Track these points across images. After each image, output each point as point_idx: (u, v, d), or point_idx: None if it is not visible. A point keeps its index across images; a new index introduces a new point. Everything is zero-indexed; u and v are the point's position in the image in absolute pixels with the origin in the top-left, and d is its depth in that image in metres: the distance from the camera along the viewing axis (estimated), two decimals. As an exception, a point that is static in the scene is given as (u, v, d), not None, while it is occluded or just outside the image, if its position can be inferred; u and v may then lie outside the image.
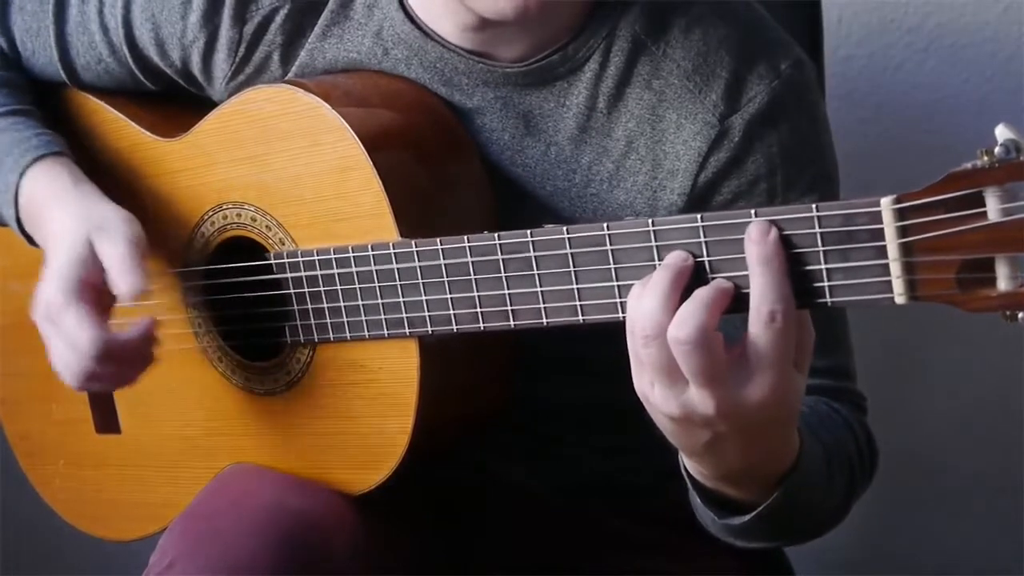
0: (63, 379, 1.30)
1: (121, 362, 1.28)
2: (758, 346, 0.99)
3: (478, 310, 1.15)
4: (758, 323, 0.99)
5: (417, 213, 1.21)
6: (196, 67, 1.35)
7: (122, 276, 1.25)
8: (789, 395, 1.02)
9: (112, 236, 1.27)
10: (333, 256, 1.22)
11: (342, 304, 1.23)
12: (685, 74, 1.25)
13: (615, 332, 1.09)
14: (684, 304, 1.00)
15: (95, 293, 1.27)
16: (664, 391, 1.02)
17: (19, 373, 1.53)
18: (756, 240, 0.98)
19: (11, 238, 1.43)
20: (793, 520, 1.16)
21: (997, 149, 0.92)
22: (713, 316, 0.99)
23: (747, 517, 1.13)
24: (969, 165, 0.93)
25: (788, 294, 0.98)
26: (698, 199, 1.25)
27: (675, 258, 1.02)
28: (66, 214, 1.30)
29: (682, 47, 1.25)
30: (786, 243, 0.99)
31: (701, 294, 1.00)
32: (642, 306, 1.01)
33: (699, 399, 1.01)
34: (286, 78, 1.32)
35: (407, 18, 1.28)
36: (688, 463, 1.12)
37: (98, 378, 1.29)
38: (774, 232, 0.98)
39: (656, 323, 1.00)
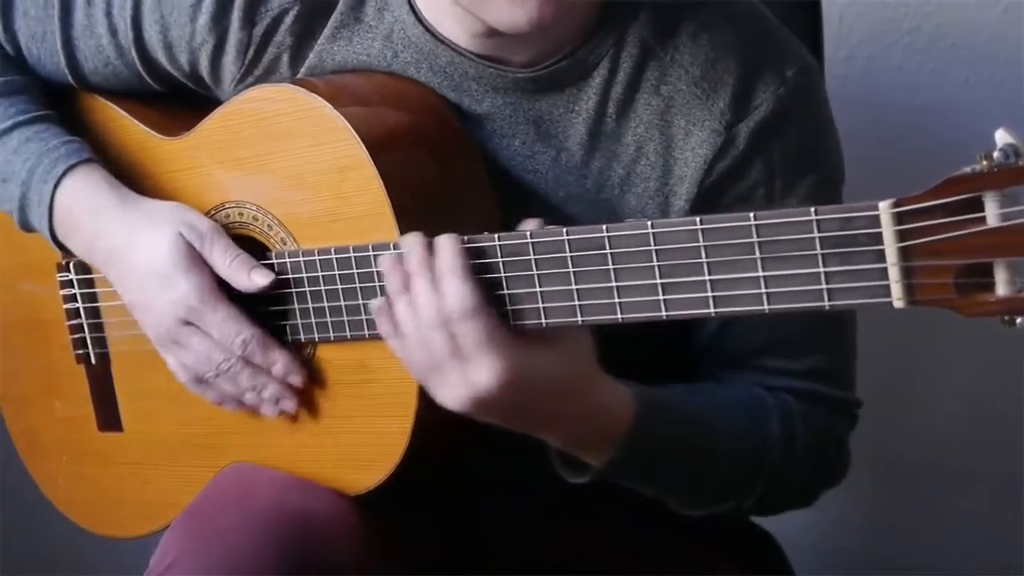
0: (190, 385, 1.31)
1: (256, 368, 1.28)
2: (460, 341, 1.11)
3: (477, 310, 1.15)
4: (456, 323, 1.11)
5: (418, 213, 1.21)
6: (205, 70, 1.35)
7: (243, 271, 1.27)
8: (523, 372, 1.11)
9: (208, 233, 1.28)
10: (334, 256, 1.23)
11: (343, 303, 1.23)
12: (693, 80, 1.25)
13: (614, 330, 1.10)
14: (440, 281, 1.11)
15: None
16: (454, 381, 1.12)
17: (22, 370, 1.53)
18: (437, 251, 1.13)
19: (23, 238, 1.43)
20: (656, 477, 1.24)
21: (996, 153, 0.92)
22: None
23: (587, 476, 1.21)
24: (968, 169, 0.93)
25: (470, 291, 1.11)
26: (701, 203, 1.25)
27: (385, 263, 1.14)
28: (127, 221, 1.31)
29: (690, 53, 1.25)
30: (781, 247, 0.99)
31: (445, 263, 1.11)
32: (412, 308, 1.13)
33: (444, 385, 1.13)
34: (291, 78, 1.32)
35: (418, 21, 1.28)
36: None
37: (234, 377, 1.28)
38: (451, 243, 1.12)
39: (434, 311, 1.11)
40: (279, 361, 1.27)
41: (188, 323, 1.28)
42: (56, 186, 1.34)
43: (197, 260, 1.28)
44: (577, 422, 1.18)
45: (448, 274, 1.11)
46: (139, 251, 1.30)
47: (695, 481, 1.26)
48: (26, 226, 1.38)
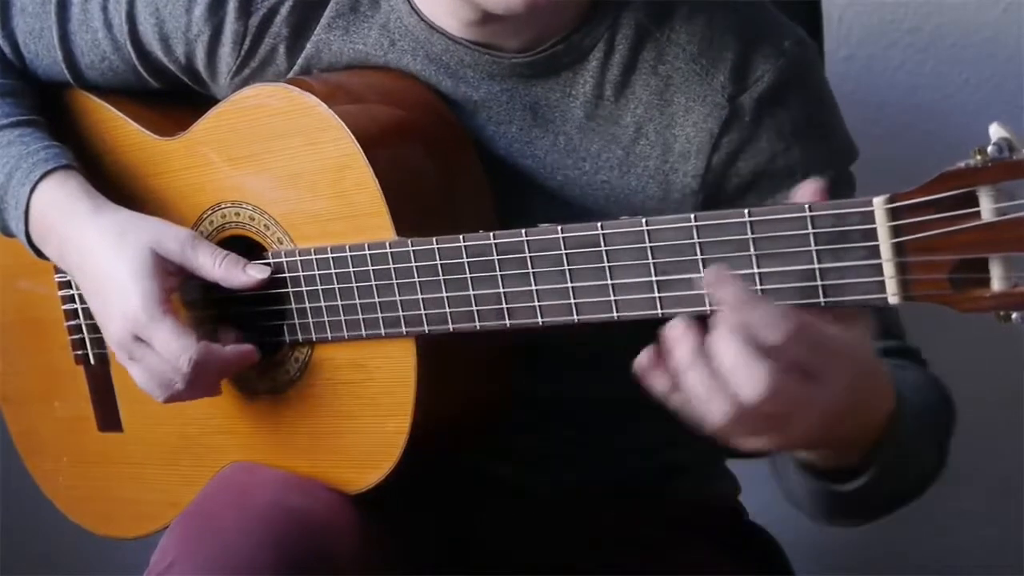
0: (154, 397, 1.29)
1: (212, 373, 1.28)
2: (803, 359, 0.97)
3: (474, 309, 1.15)
4: (787, 348, 0.97)
5: (414, 212, 1.21)
6: (200, 62, 1.35)
7: (237, 269, 1.26)
8: (859, 354, 1.00)
9: (189, 240, 1.27)
10: (330, 255, 1.23)
11: (339, 303, 1.23)
12: (691, 58, 1.25)
13: (613, 329, 1.09)
14: (724, 365, 0.97)
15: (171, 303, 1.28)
16: (766, 442, 1.01)
17: (22, 371, 1.53)
18: (716, 287, 0.98)
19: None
20: (905, 468, 1.14)
21: (990, 148, 0.92)
22: (758, 357, 0.96)
23: (867, 474, 1.10)
24: (962, 164, 0.93)
25: (781, 315, 0.96)
26: (715, 180, 1.25)
27: (679, 330, 0.99)
28: (97, 229, 1.30)
29: (686, 32, 1.26)
30: (775, 243, 0.98)
31: (727, 348, 0.97)
32: (705, 400, 0.99)
33: (799, 425, 1.00)
34: (286, 77, 1.32)
35: (412, 11, 1.29)
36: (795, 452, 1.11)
37: (192, 388, 1.28)
38: (727, 276, 0.98)
39: (726, 409, 0.98)
40: (231, 358, 1.27)
41: (139, 338, 1.27)
42: (32, 190, 1.33)
43: (155, 274, 1.27)
44: (869, 402, 1.07)
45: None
46: (103, 262, 1.29)
47: (923, 457, 1.20)
48: (5, 230, 1.38)
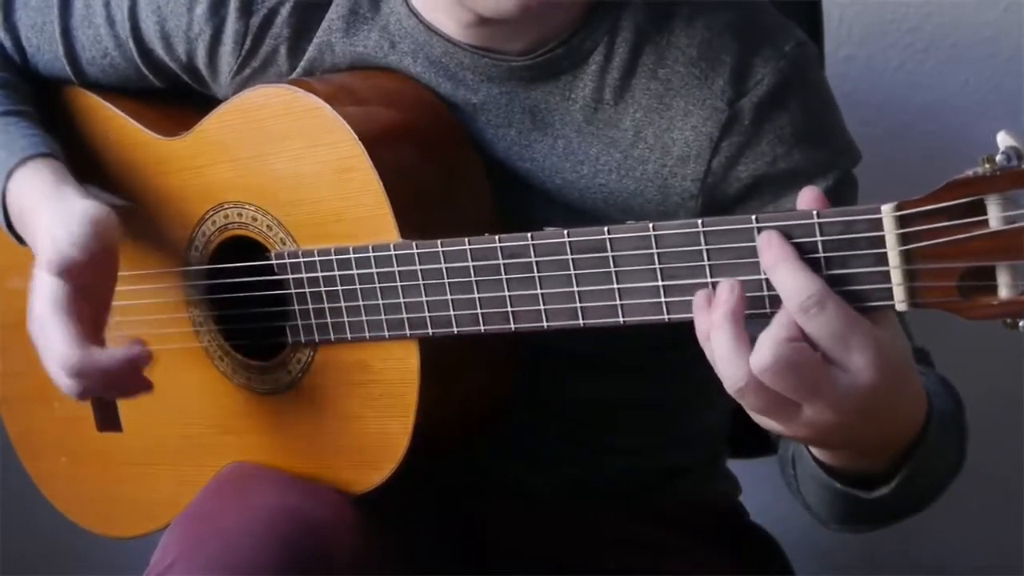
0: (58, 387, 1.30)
1: (104, 380, 1.28)
2: (822, 338, 0.97)
3: (478, 312, 1.15)
4: (805, 320, 0.96)
5: (417, 214, 1.21)
6: (201, 61, 1.35)
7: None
8: (888, 353, 0.98)
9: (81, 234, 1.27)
10: (334, 257, 1.22)
11: (343, 304, 1.23)
12: (690, 61, 1.25)
13: (616, 332, 1.09)
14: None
15: (82, 302, 1.28)
16: (785, 423, 1.00)
17: (20, 371, 1.52)
18: (763, 248, 0.98)
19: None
20: (930, 475, 1.13)
21: (998, 156, 0.92)
22: (791, 333, 0.96)
23: (893, 482, 1.08)
24: (970, 172, 0.93)
25: (809, 280, 0.96)
26: (714, 184, 1.25)
27: (725, 292, 0.99)
28: (48, 217, 1.30)
29: (686, 35, 1.25)
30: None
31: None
32: (724, 360, 0.98)
33: (817, 413, 0.99)
34: (288, 78, 1.32)
35: (411, 13, 1.29)
36: (820, 455, 1.10)
37: (86, 390, 1.29)
38: (776, 236, 0.98)
39: (741, 375, 0.97)
40: (110, 366, 1.28)
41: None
42: (8, 178, 1.33)
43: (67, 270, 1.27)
44: (902, 409, 1.06)
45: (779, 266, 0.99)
46: (40, 249, 1.30)
47: (948, 459, 1.19)
48: None
